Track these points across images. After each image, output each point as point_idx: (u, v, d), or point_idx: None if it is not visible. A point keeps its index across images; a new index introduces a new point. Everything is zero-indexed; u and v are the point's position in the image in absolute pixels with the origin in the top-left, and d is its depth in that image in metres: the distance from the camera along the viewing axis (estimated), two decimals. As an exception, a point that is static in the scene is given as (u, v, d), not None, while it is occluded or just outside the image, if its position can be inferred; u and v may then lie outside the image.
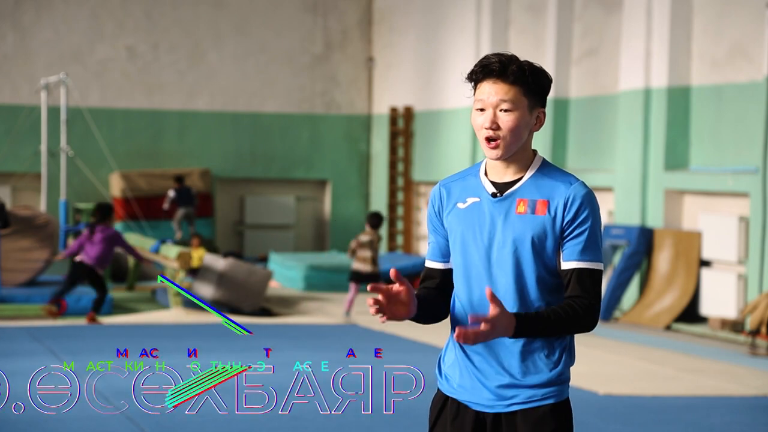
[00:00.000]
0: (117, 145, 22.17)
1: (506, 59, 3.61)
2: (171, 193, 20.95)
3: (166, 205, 21.30)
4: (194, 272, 16.73)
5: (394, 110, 22.74)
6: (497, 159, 3.62)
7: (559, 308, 3.55)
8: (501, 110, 3.60)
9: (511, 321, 3.47)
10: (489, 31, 19.55)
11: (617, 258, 15.94)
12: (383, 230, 23.21)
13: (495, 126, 3.60)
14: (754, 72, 14.31)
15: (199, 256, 19.80)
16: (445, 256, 3.77)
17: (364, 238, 14.85)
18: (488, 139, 3.61)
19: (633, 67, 15.91)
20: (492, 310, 3.42)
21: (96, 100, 22.28)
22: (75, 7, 22.29)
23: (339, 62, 23.82)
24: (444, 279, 3.78)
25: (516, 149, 3.63)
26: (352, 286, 15.00)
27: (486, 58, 3.63)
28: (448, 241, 3.75)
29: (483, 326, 3.39)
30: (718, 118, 14.90)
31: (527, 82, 3.60)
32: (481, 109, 3.63)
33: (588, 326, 3.59)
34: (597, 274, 3.60)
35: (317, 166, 23.79)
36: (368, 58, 23.93)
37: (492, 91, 3.60)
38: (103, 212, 14.47)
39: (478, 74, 3.63)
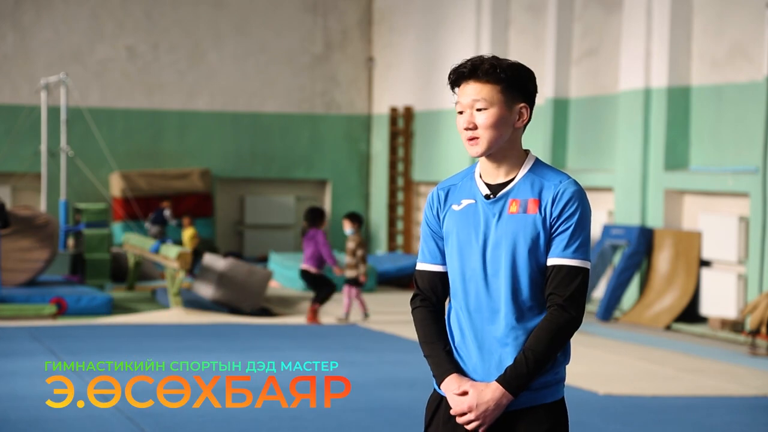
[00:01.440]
0: (117, 145, 22.17)
1: (479, 60, 3.65)
2: (148, 225, 20.78)
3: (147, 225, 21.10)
4: (194, 262, 16.76)
5: (394, 110, 22.75)
6: (478, 156, 3.67)
7: (540, 336, 3.56)
8: (477, 109, 3.63)
9: (494, 389, 3.55)
10: (489, 31, 19.55)
11: (617, 258, 15.94)
12: (384, 231, 23.21)
13: (472, 126, 3.64)
14: (754, 72, 14.31)
15: (190, 235, 19.76)
16: (445, 259, 3.78)
17: (351, 245, 14.72)
18: (469, 140, 3.64)
19: (633, 67, 15.91)
20: (468, 398, 3.57)
21: (96, 100, 22.28)
22: (75, 7, 22.29)
23: (339, 62, 23.82)
24: (445, 284, 3.78)
25: (498, 146, 3.65)
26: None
27: (460, 62, 3.67)
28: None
29: (468, 416, 3.57)
30: (718, 118, 14.89)
31: (500, 79, 3.62)
32: (461, 112, 3.67)
33: (573, 332, 3.61)
34: (579, 272, 3.58)
35: (317, 166, 23.79)
36: (368, 58, 23.93)
37: (465, 92, 3.65)
38: (313, 216, 14.76)
39: (454, 79, 3.68)
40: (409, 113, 22.51)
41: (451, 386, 3.62)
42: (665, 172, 15.42)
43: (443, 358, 3.67)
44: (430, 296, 3.77)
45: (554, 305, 3.57)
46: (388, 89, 23.34)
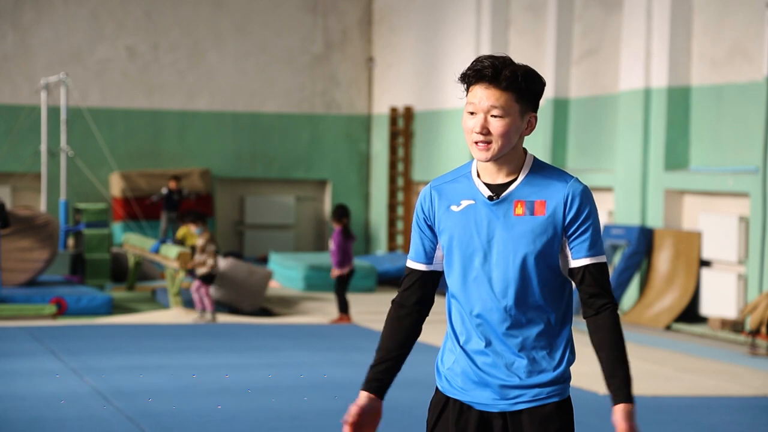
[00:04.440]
0: (117, 145, 22.17)
1: (500, 63, 3.57)
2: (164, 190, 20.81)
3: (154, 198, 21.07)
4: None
5: (394, 110, 22.75)
6: (485, 161, 3.61)
7: (614, 338, 3.74)
8: (492, 116, 3.57)
9: (626, 409, 3.75)
10: (489, 31, 19.55)
11: (617, 258, 15.94)
12: (383, 231, 23.20)
13: (485, 131, 3.58)
14: (754, 72, 14.31)
15: (184, 234, 19.70)
16: (429, 259, 3.75)
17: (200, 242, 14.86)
18: (477, 143, 3.60)
19: (633, 67, 15.91)
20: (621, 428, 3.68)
21: (96, 100, 22.28)
22: (75, 7, 22.29)
23: (339, 62, 23.82)
24: (424, 282, 3.76)
25: (505, 153, 3.61)
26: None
27: (479, 61, 3.59)
28: (433, 243, 3.73)
29: None
30: (718, 118, 14.90)
31: (519, 88, 3.57)
32: (472, 113, 3.61)
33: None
34: (605, 267, 3.68)
35: (317, 166, 23.79)
36: (368, 58, 23.94)
37: (483, 96, 3.57)
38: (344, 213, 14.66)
39: (471, 77, 3.60)
40: (409, 113, 22.51)
41: (359, 400, 3.78)
42: (665, 172, 15.42)
43: (372, 371, 3.89)
44: (410, 295, 3.77)
45: (602, 305, 3.66)
46: (388, 89, 23.34)
